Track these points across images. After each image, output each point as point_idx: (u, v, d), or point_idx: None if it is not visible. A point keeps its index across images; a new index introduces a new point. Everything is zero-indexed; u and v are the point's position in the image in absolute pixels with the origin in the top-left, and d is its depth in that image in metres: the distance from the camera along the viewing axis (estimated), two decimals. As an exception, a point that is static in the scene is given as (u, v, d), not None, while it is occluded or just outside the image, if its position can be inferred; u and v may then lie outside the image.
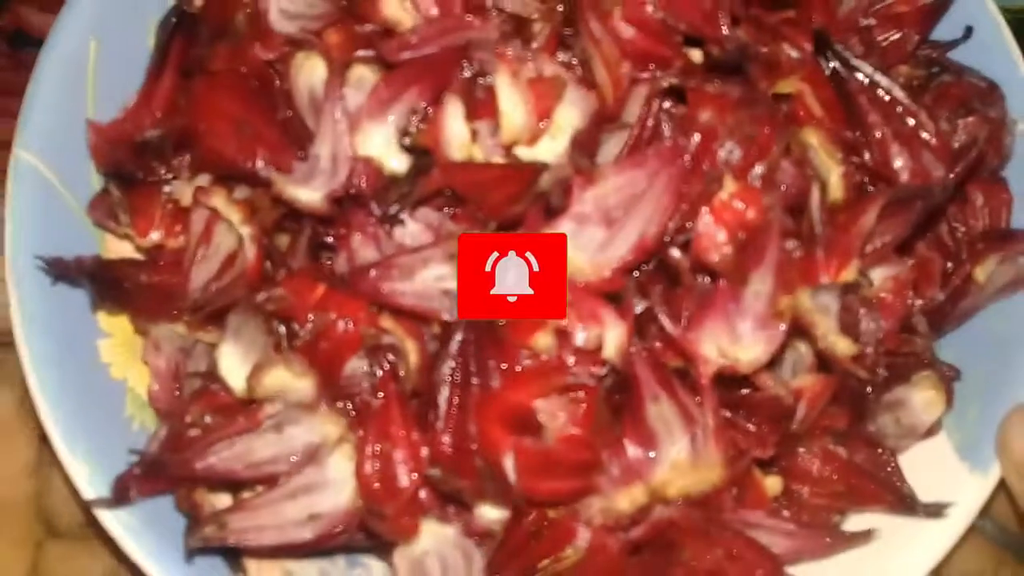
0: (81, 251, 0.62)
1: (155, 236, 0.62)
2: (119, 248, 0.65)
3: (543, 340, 0.50)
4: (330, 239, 0.57)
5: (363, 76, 0.56)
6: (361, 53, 0.55)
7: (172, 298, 0.60)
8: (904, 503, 0.58)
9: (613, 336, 0.49)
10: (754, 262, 0.50)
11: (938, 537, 0.57)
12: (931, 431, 0.61)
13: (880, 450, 0.59)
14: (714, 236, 0.49)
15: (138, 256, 0.64)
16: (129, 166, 0.61)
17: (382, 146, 0.55)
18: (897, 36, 0.64)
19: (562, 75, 0.50)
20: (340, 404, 0.56)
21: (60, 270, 0.58)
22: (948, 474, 0.59)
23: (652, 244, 0.49)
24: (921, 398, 0.60)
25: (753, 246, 0.50)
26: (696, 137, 0.50)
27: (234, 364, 0.55)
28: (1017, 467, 0.57)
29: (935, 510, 0.57)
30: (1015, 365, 0.60)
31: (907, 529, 0.58)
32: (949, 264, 0.62)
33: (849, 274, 0.50)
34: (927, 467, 0.60)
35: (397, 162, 0.55)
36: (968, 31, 0.66)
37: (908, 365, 0.59)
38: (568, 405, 0.49)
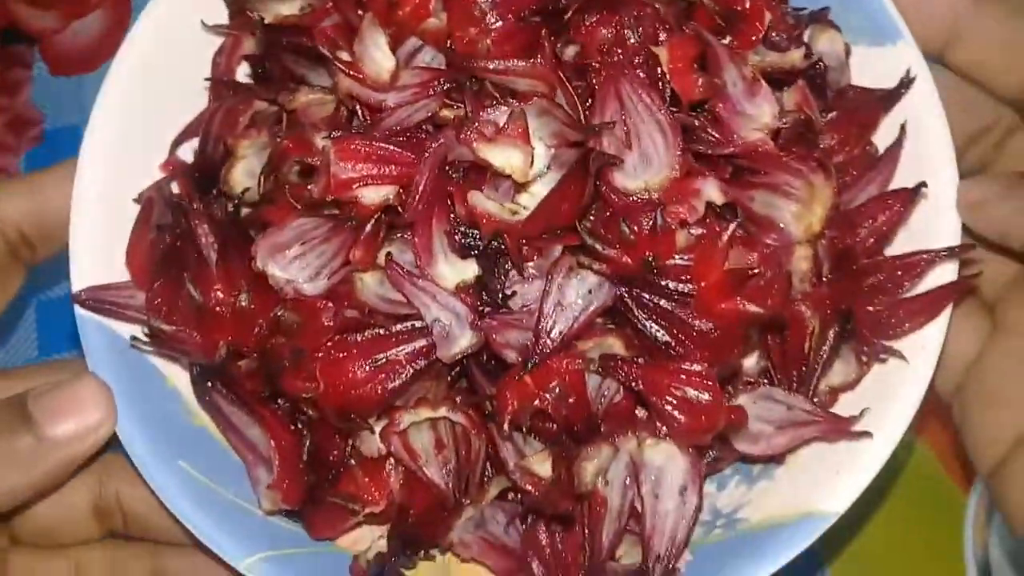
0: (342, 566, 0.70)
1: (382, 495, 0.69)
2: (351, 541, 0.73)
3: (680, 239, 0.63)
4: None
5: (397, 249, 0.65)
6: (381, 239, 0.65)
7: (443, 508, 0.68)
8: (890, 96, 0.73)
9: (712, 188, 0.63)
10: (716, 68, 0.64)
11: (930, 106, 0.72)
12: (848, 52, 0.76)
13: (847, 90, 0.75)
14: (686, 82, 0.63)
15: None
16: (320, 481, 0.68)
17: (453, 271, 0.65)
18: None
19: (516, 110, 0.61)
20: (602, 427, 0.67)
21: None
22: (884, 59, 0.74)
23: (674, 127, 0.62)
24: (823, 43, 0.75)
25: (708, 63, 0.64)
26: (617, 52, 0.63)
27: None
28: None
29: (906, 81, 0.73)
30: None
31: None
32: None
33: (767, 19, 0.65)
34: (872, 71, 0.76)
35: (472, 269, 0.65)
36: None
37: (799, 35, 0.74)
38: (737, 251, 0.62)
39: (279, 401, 0.70)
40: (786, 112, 0.68)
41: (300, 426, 0.69)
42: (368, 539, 0.72)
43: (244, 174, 0.73)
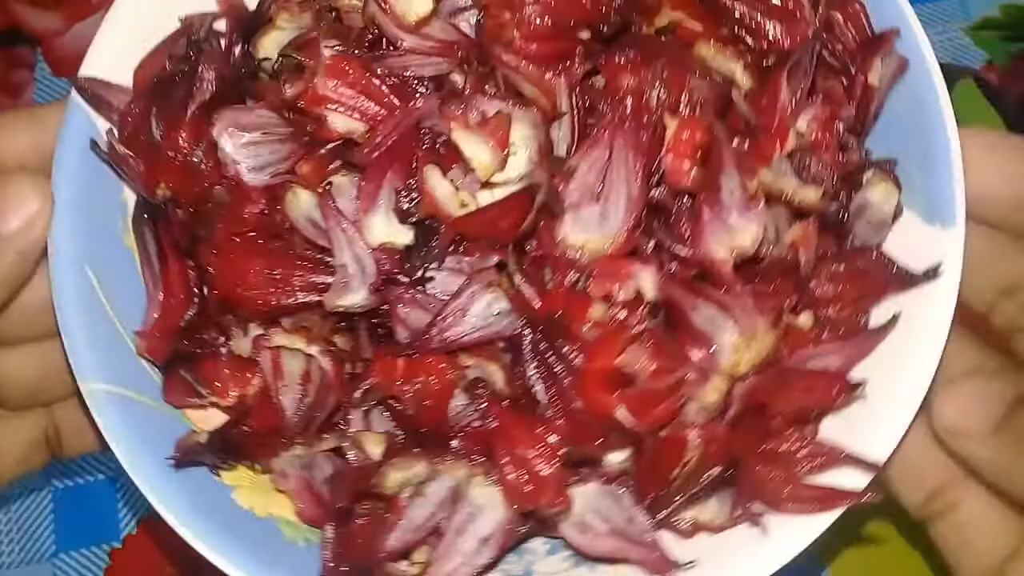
0: (175, 433, 0.71)
1: (235, 393, 0.70)
2: (201, 416, 0.73)
3: (596, 311, 0.60)
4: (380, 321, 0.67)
5: (342, 184, 0.64)
6: (333, 167, 0.63)
7: (277, 432, 0.69)
8: (905, 280, 0.69)
9: (647, 279, 0.59)
10: (718, 170, 0.60)
11: (944, 297, 0.67)
12: (897, 213, 0.72)
13: (867, 251, 0.70)
14: (680, 167, 0.60)
15: (222, 415, 0.72)
16: (187, 350, 0.69)
17: (387, 230, 0.63)
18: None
19: (503, 109, 0.59)
20: (455, 441, 0.66)
21: (187, 459, 0.66)
22: (927, 242, 0.69)
23: (640, 199, 0.59)
24: (877, 194, 0.71)
25: (711, 159, 0.60)
26: (628, 102, 0.60)
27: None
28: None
29: (932, 274, 0.68)
30: (930, 125, 0.70)
31: (915, 303, 0.69)
32: (848, 72, 0.73)
33: (791, 142, 0.61)
34: (909, 243, 0.71)
35: (404, 236, 0.64)
36: None
37: (854, 175, 0.70)
38: (641, 350, 0.59)
39: (191, 260, 0.70)
40: (779, 243, 0.64)
41: (197, 293, 0.70)
42: (212, 421, 0.73)
43: (274, 44, 0.73)
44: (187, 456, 0.68)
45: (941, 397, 0.68)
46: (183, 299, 0.70)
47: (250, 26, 0.76)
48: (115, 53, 0.75)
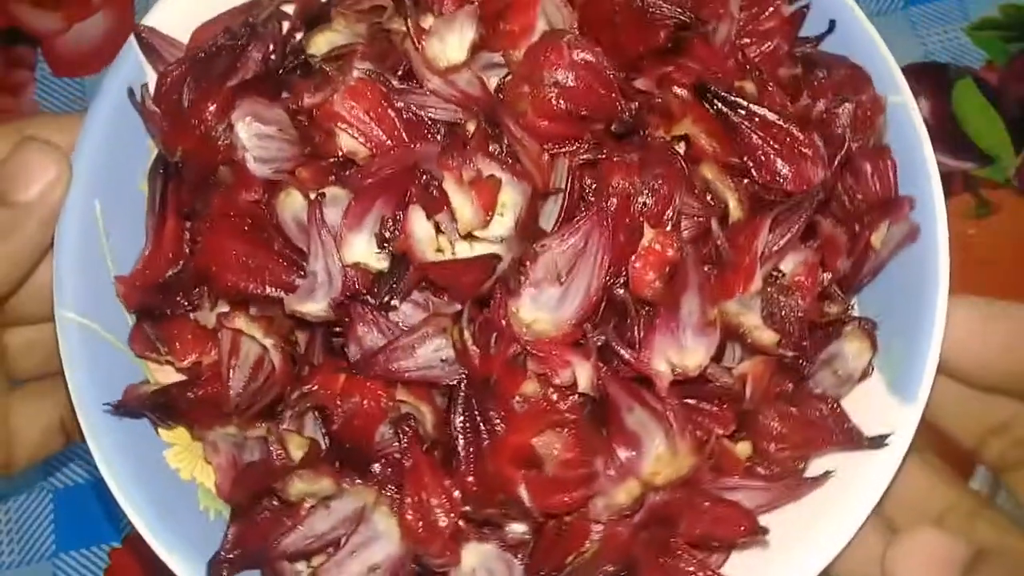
0: (131, 379, 0.74)
1: (191, 358, 0.73)
2: (161, 371, 0.76)
3: (529, 387, 0.61)
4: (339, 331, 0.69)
5: (337, 194, 0.67)
6: (331, 178, 0.66)
7: (218, 406, 0.71)
8: (852, 441, 0.69)
9: (583, 373, 0.60)
10: (680, 289, 0.61)
11: (883, 467, 0.68)
12: (865, 374, 0.72)
13: (824, 401, 0.70)
14: (644, 276, 0.61)
15: (179, 376, 0.75)
16: (157, 305, 0.72)
17: (364, 252, 0.65)
18: (770, 46, 0.75)
19: (496, 174, 0.61)
20: (375, 465, 0.68)
21: (124, 410, 0.69)
22: (884, 409, 0.70)
23: (596, 297, 0.60)
24: (850, 349, 0.71)
25: (677, 277, 0.61)
26: (614, 201, 0.61)
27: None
28: None
29: (878, 442, 0.69)
30: (921, 303, 0.71)
31: (856, 463, 0.69)
32: (856, 226, 0.74)
33: (755, 287, 0.61)
34: (866, 406, 0.71)
35: (379, 262, 0.66)
36: (831, 25, 0.77)
37: (832, 327, 0.70)
38: (559, 436, 0.61)
39: (189, 223, 0.73)
40: (730, 373, 0.65)
41: (187, 253, 0.72)
42: (169, 378, 0.76)
43: (325, 44, 0.75)
44: (130, 405, 0.71)
45: (894, 550, 0.68)
46: (170, 257, 0.73)
47: (314, 17, 0.78)
48: (182, 9, 0.78)
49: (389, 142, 0.65)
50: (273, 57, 0.74)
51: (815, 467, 0.71)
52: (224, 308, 0.70)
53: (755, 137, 0.65)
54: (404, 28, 0.68)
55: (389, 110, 0.65)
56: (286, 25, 0.80)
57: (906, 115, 0.74)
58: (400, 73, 0.68)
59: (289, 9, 0.80)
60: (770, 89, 0.71)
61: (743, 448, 0.70)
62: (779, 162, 0.65)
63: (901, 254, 0.73)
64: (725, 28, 0.73)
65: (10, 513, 1.11)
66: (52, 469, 1.14)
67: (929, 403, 0.71)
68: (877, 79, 0.75)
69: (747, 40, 0.74)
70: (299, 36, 0.79)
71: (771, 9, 0.74)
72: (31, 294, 0.72)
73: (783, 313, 0.65)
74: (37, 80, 1.18)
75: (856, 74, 0.74)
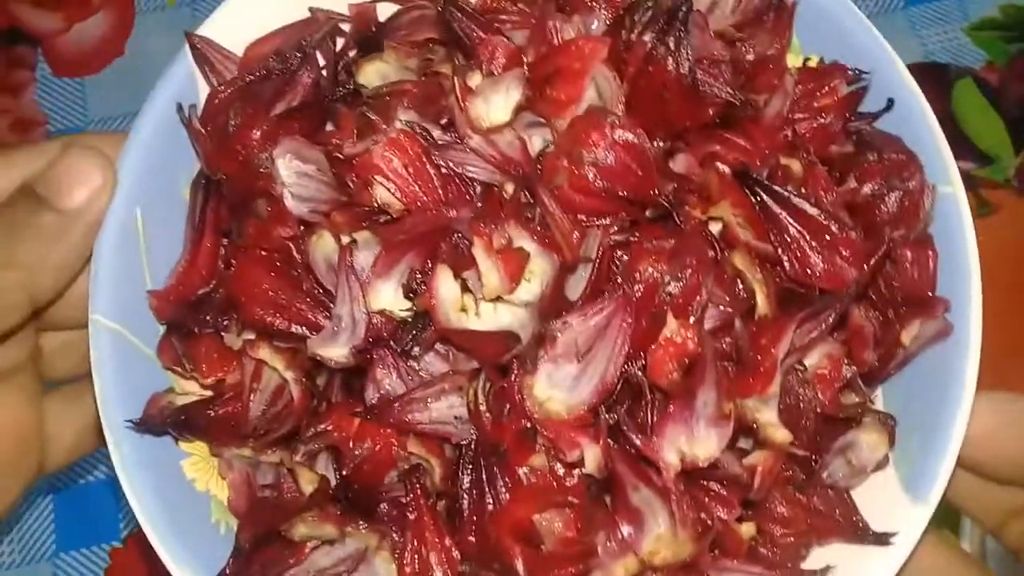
0: (157, 386, 0.76)
1: (215, 376, 0.74)
2: (186, 383, 0.78)
3: (537, 460, 0.62)
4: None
5: (369, 239, 0.67)
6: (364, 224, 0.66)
7: (236, 427, 0.73)
8: (858, 534, 0.69)
9: (591, 455, 0.61)
10: (698, 382, 0.61)
11: (885, 563, 0.68)
12: (880, 467, 0.72)
13: (834, 491, 0.70)
14: (663, 365, 0.61)
15: (204, 392, 0.76)
16: (186, 322, 0.73)
17: (390, 301, 0.66)
18: (823, 123, 0.74)
19: (525, 245, 0.61)
20: (382, 506, 0.69)
21: (146, 425, 0.71)
22: (895, 505, 0.70)
23: (612, 382, 0.60)
24: (867, 440, 0.71)
25: (696, 369, 0.61)
26: (640, 287, 0.61)
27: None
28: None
29: (883, 539, 0.69)
30: (944, 401, 0.70)
31: (859, 556, 0.69)
32: (889, 312, 0.73)
33: (773, 389, 0.61)
34: (877, 499, 0.71)
35: (404, 312, 0.66)
36: (890, 103, 0.75)
37: (849, 419, 0.70)
38: (562, 515, 0.61)
39: (226, 240, 0.74)
40: (740, 463, 0.65)
41: (220, 271, 0.74)
42: (191, 396, 0.77)
43: (375, 74, 0.75)
44: (152, 420, 0.73)
45: None
46: (204, 275, 0.74)
47: (368, 42, 0.78)
48: (238, 21, 0.78)
49: (425, 198, 0.65)
50: (323, 77, 0.74)
51: (818, 556, 0.71)
52: (250, 335, 0.71)
53: (792, 229, 0.64)
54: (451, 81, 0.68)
55: (428, 166, 0.65)
56: (340, 42, 0.80)
57: (954, 207, 0.73)
58: (444, 122, 0.68)
59: (345, 27, 0.80)
60: (817, 170, 0.70)
61: (747, 529, 0.70)
62: (814, 257, 0.64)
63: (932, 352, 0.72)
64: (778, 103, 0.71)
65: (10, 513, 1.13)
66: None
67: (950, 487, 0.71)
68: (929, 166, 0.73)
69: (800, 115, 0.73)
70: (352, 54, 0.79)
71: (828, 87, 0.72)
72: (69, 301, 0.74)
73: (801, 407, 0.65)
74: (37, 80, 1.19)
75: (907, 158, 0.73)
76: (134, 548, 1.11)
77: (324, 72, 0.75)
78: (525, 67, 0.65)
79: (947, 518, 0.87)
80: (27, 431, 0.75)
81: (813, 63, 0.77)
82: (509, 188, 0.65)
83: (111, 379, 0.73)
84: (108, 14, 1.22)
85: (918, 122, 0.74)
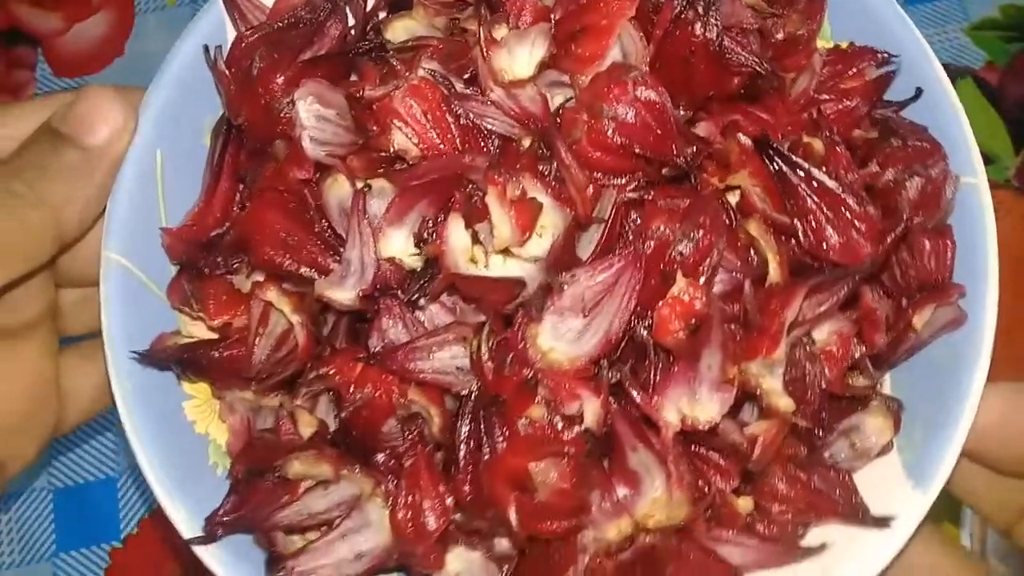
0: (164, 327, 0.76)
1: (223, 318, 0.74)
2: (194, 324, 0.78)
3: (536, 411, 0.61)
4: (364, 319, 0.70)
5: (383, 187, 0.67)
6: (380, 171, 0.66)
7: (240, 370, 0.73)
8: (856, 516, 0.69)
9: (590, 409, 0.60)
10: (703, 343, 0.60)
11: (883, 547, 0.67)
12: (884, 451, 0.71)
13: (835, 471, 0.69)
14: (669, 324, 0.60)
15: (209, 332, 0.77)
16: (198, 262, 0.73)
17: (401, 248, 0.66)
18: (849, 106, 0.73)
19: (539, 197, 0.61)
20: (379, 456, 0.69)
21: (151, 359, 0.71)
22: (896, 490, 0.69)
23: (616, 337, 0.60)
24: (872, 425, 0.70)
25: (702, 330, 0.60)
26: (651, 244, 0.61)
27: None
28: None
29: (882, 522, 0.68)
30: (953, 390, 0.69)
31: (857, 538, 0.68)
32: (903, 300, 0.72)
33: (778, 355, 0.61)
34: (879, 481, 0.70)
35: (414, 261, 0.66)
36: (918, 92, 0.75)
37: (855, 401, 0.69)
38: (558, 465, 0.61)
39: (243, 181, 0.74)
40: (741, 431, 0.64)
41: (235, 215, 0.74)
42: (201, 331, 0.78)
43: (402, 31, 0.76)
44: (157, 355, 0.73)
45: None
46: (218, 216, 0.74)
47: (398, 2, 0.79)
48: None
49: (441, 146, 0.65)
50: (352, 33, 0.74)
51: (815, 535, 0.70)
52: (260, 277, 0.71)
53: (809, 201, 0.64)
54: (477, 32, 0.68)
55: (447, 114, 0.65)
56: (371, 2, 0.80)
57: (976, 198, 0.72)
58: (466, 76, 0.68)
59: (376, -13, 0.80)
60: (839, 150, 0.69)
61: (745, 503, 0.69)
62: (829, 230, 0.63)
63: (944, 339, 0.71)
64: (804, 81, 0.71)
65: (10, 513, 1.11)
66: (52, 469, 1.14)
67: (959, 485, 0.70)
68: (953, 155, 0.73)
69: (826, 96, 0.73)
70: (382, 15, 0.80)
71: (856, 69, 0.72)
72: (86, 256, 0.74)
73: (807, 380, 0.64)
74: (37, 80, 1.19)
75: (932, 147, 0.72)
76: (133, 548, 1.11)
77: (352, 31, 0.75)
78: (552, 24, 0.65)
79: (947, 510, 0.86)
80: (45, 386, 0.75)
81: (843, 49, 0.76)
82: (526, 142, 0.65)
83: (118, 315, 0.73)
84: (108, 14, 1.22)
85: (947, 114, 0.74)
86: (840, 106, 0.73)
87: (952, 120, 0.74)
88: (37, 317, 0.75)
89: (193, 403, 0.77)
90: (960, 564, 0.73)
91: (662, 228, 0.61)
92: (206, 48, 0.75)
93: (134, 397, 0.72)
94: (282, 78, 0.71)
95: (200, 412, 0.77)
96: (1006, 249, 1.19)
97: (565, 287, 0.60)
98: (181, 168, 0.77)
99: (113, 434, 1.13)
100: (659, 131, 0.61)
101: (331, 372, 0.68)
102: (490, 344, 0.62)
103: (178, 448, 0.73)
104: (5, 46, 1.11)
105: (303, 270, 0.68)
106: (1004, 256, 1.19)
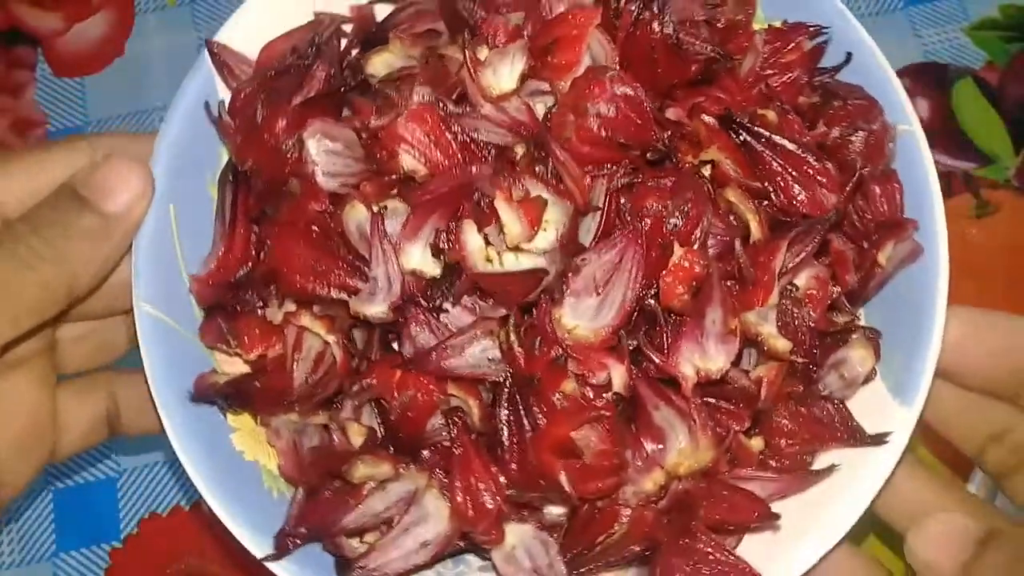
0: (200, 369, 0.81)
1: (258, 351, 0.80)
2: (225, 360, 0.84)
3: (568, 385, 0.69)
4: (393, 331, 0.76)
5: (396, 207, 0.74)
6: (392, 192, 0.73)
7: (282, 395, 0.79)
8: (856, 438, 0.77)
9: (617, 374, 0.68)
10: (705, 301, 0.68)
11: (883, 460, 0.75)
12: (869, 378, 0.79)
13: (831, 402, 0.78)
14: (673, 289, 0.68)
15: (243, 366, 0.82)
16: (229, 302, 0.79)
17: (420, 260, 0.73)
18: (791, 77, 0.82)
19: (542, 194, 0.68)
20: (425, 452, 0.76)
21: (199, 396, 0.77)
22: (885, 411, 0.77)
23: (630, 307, 0.68)
24: (856, 356, 0.79)
25: (703, 290, 0.68)
26: (647, 221, 0.68)
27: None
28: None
29: (879, 439, 0.76)
30: (922, 316, 0.78)
31: (860, 458, 0.77)
32: (864, 243, 0.81)
33: (772, 300, 0.69)
34: (870, 407, 0.78)
35: (434, 269, 0.73)
36: (848, 56, 0.83)
37: (840, 334, 0.77)
38: (595, 430, 0.68)
39: (257, 227, 0.80)
40: (747, 376, 0.72)
41: (253, 257, 0.80)
42: (234, 367, 0.83)
43: (382, 65, 0.82)
44: (203, 392, 0.78)
45: (915, 533, 0.75)
46: (240, 258, 0.80)
47: (371, 39, 0.86)
48: (250, 28, 0.85)
49: (446, 162, 0.72)
50: (335, 74, 0.81)
51: (821, 461, 0.78)
52: (291, 307, 0.77)
53: (775, 164, 0.72)
54: (460, 56, 0.75)
55: (446, 133, 0.72)
56: (343, 43, 0.87)
57: (914, 142, 0.81)
58: (455, 97, 0.75)
59: (347, 28, 0.87)
60: (790, 117, 0.77)
61: (757, 443, 0.77)
62: (796, 187, 0.72)
63: (905, 270, 0.80)
64: (750, 60, 0.80)
65: (10, 513, 1.11)
66: (52, 469, 1.14)
67: (932, 412, 0.78)
68: (888, 108, 0.82)
69: (770, 71, 0.81)
70: (355, 52, 0.87)
71: (793, 44, 0.80)
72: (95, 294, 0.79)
73: (796, 323, 0.72)
74: (37, 80, 1.19)
75: (869, 104, 0.81)
76: (133, 548, 1.12)
77: (333, 71, 0.82)
78: (526, 39, 0.72)
79: (959, 467, 0.90)
80: (42, 416, 0.79)
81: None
82: (520, 149, 0.73)
83: (160, 362, 0.78)
84: (108, 14, 1.23)
85: (876, 71, 0.83)
86: (784, 78, 0.81)
87: (882, 77, 0.83)
88: (36, 351, 0.79)
89: (238, 435, 0.82)
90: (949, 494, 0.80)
91: (655, 205, 0.69)
92: (207, 104, 0.81)
93: (184, 433, 0.77)
94: (284, 122, 0.77)
95: (246, 443, 0.82)
96: (1007, 249, 1.22)
97: (579, 268, 0.67)
98: (191, 220, 0.83)
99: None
100: (639, 121, 0.69)
101: (373, 382, 0.74)
102: (518, 331, 0.69)
103: (235, 478, 0.79)
104: (5, 46, 1.11)
105: (334, 293, 0.74)
106: (1004, 256, 1.22)
